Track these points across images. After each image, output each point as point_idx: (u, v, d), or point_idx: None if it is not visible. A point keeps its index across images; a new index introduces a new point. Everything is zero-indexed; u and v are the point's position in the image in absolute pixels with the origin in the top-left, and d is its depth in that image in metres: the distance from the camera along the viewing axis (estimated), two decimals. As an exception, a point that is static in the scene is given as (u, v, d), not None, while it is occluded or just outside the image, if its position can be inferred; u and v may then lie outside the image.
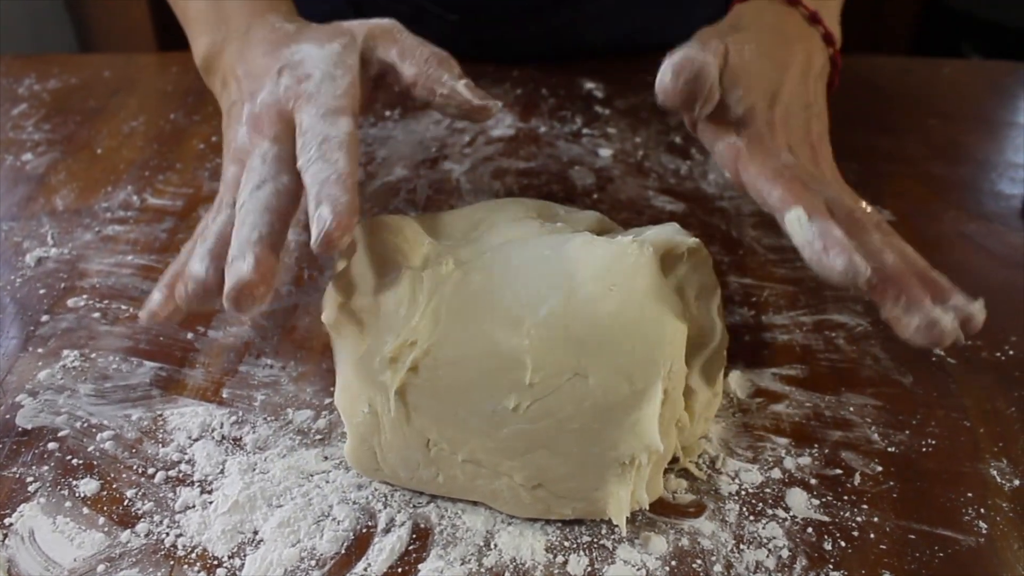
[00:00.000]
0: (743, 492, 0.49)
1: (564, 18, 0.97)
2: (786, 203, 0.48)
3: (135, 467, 0.50)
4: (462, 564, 0.45)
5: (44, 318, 0.61)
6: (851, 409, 0.55)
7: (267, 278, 0.44)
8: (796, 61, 0.57)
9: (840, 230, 0.46)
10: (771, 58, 0.56)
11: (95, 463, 0.50)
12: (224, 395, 0.55)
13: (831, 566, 0.45)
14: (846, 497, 0.49)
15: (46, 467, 0.50)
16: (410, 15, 0.97)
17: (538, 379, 0.44)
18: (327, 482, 0.50)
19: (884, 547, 0.46)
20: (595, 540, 0.47)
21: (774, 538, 0.47)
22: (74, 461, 0.51)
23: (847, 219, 0.49)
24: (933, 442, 0.53)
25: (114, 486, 0.49)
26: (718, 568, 0.45)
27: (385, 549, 0.46)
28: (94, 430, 0.53)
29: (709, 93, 0.52)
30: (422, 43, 0.56)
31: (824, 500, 0.49)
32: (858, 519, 0.48)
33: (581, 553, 0.46)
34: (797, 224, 0.47)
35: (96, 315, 0.62)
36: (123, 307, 0.62)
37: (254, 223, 0.46)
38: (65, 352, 0.58)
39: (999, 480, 0.50)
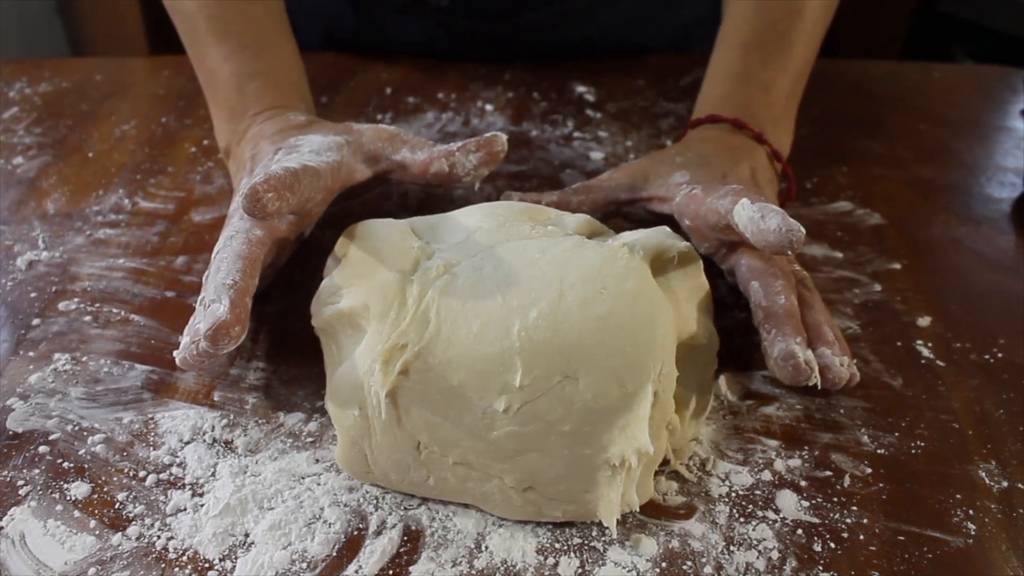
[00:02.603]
0: (733, 494, 0.50)
1: (555, 9, 0.98)
2: (733, 202, 0.54)
3: (126, 470, 0.50)
4: (453, 566, 0.45)
5: (35, 321, 0.61)
6: (841, 411, 0.55)
7: (241, 318, 0.48)
8: (741, 169, 0.64)
9: (779, 208, 0.51)
10: (713, 165, 0.63)
11: (86, 466, 0.50)
12: (215, 398, 0.55)
13: (821, 567, 0.45)
14: (836, 499, 0.49)
15: (37, 470, 0.50)
16: (403, 4, 0.97)
17: (528, 381, 0.44)
18: (318, 484, 0.50)
19: (873, 548, 0.47)
20: (586, 542, 0.47)
21: (764, 539, 0.47)
22: (65, 464, 0.50)
23: (765, 260, 0.59)
24: (922, 444, 0.53)
25: (105, 489, 0.49)
26: (708, 570, 0.45)
27: (376, 551, 0.46)
28: (85, 433, 0.52)
29: None
30: (426, 140, 0.63)
31: (814, 502, 0.49)
32: (848, 520, 0.48)
33: (572, 555, 0.46)
34: (742, 209, 0.53)
35: (87, 318, 0.61)
36: (114, 310, 0.62)
37: (228, 269, 0.51)
38: (56, 355, 0.58)
39: (988, 481, 0.50)
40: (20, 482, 0.49)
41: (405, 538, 0.47)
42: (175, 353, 0.50)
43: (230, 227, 0.55)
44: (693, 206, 0.60)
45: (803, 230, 0.50)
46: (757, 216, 0.51)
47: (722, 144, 0.66)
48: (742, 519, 0.48)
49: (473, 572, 0.45)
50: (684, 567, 0.45)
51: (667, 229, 0.53)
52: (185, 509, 0.48)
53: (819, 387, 0.53)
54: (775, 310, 0.55)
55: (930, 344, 0.61)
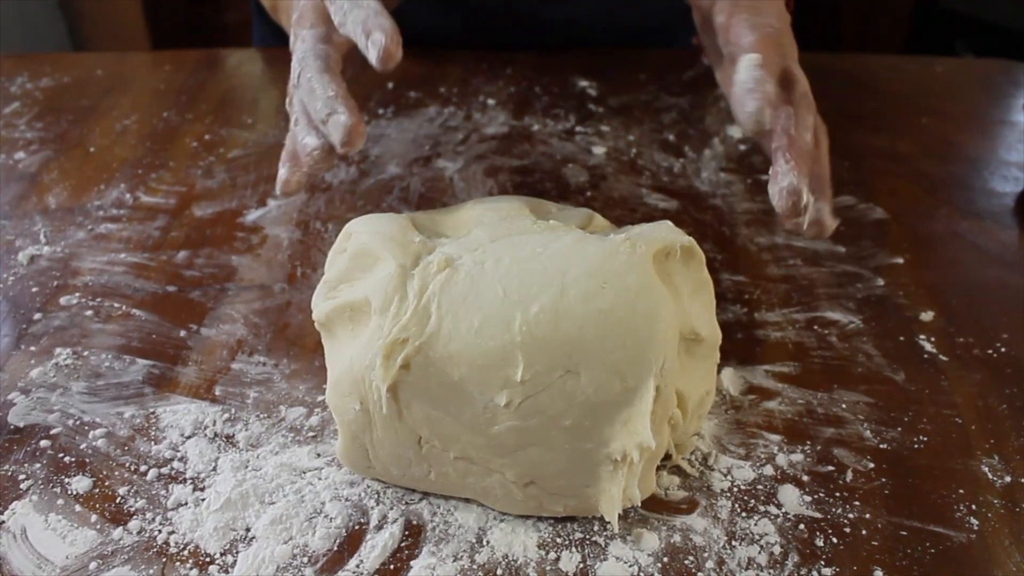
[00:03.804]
0: (735, 489, 0.49)
1: None
2: (753, 49, 0.52)
3: (127, 465, 0.50)
4: (454, 561, 0.45)
5: (37, 316, 0.61)
6: (843, 406, 0.55)
7: (360, 118, 0.50)
8: None
9: (774, 89, 0.50)
10: None
11: (87, 461, 0.50)
12: (217, 392, 0.55)
13: (823, 562, 0.45)
14: (838, 494, 0.49)
15: (38, 465, 0.50)
16: None
17: (529, 376, 0.44)
18: (319, 479, 0.50)
19: (876, 543, 0.46)
20: (587, 537, 0.47)
21: (766, 534, 0.47)
22: (66, 459, 0.50)
23: (799, 95, 0.55)
24: (925, 439, 0.53)
25: (106, 483, 0.49)
26: (710, 564, 0.45)
27: (377, 546, 0.46)
28: (86, 428, 0.52)
29: None
30: None
31: (816, 497, 0.49)
32: (850, 515, 0.48)
33: (573, 550, 0.46)
34: (747, 64, 0.51)
35: (89, 313, 0.61)
36: (116, 305, 0.62)
37: (324, 84, 0.51)
38: (57, 350, 0.58)
39: (990, 476, 0.50)
40: (21, 476, 0.49)
41: (406, 532, 0.47)
42: (278, 178, 0.52)
43: (297, 53, 0.55)
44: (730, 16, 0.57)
45: (771, 124, 0.50)
46: (748, 87, 0.50)
47: None
48: (744, 514, 0.48)
49: (474, 566, 0.45)
50: (686, 562, 0.45)
51: (669, 224, 0.52)
52: (186, 503, 0.48)
53: (799, 231, 0.52)
54: (800, 144, 0.53)
55: (933, 339, 0.60)
